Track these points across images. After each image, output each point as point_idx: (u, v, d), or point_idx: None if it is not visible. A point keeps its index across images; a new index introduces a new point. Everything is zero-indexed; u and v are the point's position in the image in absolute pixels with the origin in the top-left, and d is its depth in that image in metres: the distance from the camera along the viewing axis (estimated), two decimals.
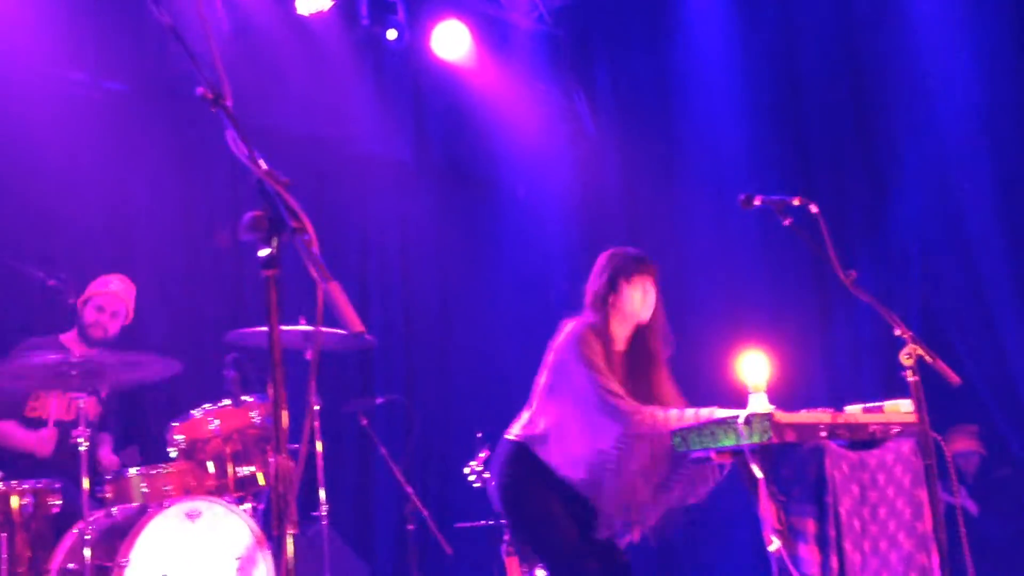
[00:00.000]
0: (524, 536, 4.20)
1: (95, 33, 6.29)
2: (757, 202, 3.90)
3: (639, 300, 4.02)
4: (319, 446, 5.28)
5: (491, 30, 8.13)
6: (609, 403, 3.76)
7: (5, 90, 5.82)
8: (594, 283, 4.09)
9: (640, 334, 4.06)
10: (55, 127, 5.95)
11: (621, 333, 4.04)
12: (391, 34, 7.50)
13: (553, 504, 3.86)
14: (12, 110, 5.78)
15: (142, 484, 4.59)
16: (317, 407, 5.40)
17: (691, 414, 3.66)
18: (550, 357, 4.03)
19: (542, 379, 4.03)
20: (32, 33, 5.89)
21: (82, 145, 6.09)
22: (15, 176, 5.82)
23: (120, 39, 6.32)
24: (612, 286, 4.02)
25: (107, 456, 5.21)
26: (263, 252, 2.14)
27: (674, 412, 3.70)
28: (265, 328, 2.14)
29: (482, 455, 5.87)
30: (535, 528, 3.93)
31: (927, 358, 3.42)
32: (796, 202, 3.82)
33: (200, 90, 2.17)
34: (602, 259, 4.14)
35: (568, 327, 4.02)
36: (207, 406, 4.82)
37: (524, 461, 3.93)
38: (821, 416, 3.47)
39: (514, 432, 4.03)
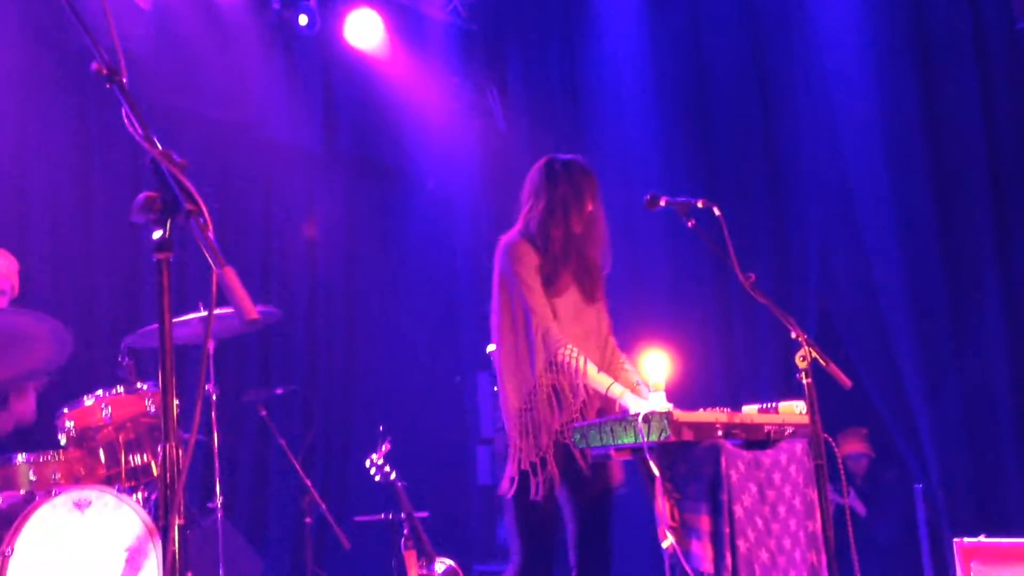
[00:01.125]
0: None
1: None
2: (662, 203, 3.95)
3: (584, 210, 4.02)
4: (216, 437, 5.18)
5: (405, 20, 8.07)
6: (535, 323, 3.79)
7: None
8: (541, 192, 4.05)
9: (581, 242, 4.04)
10: None
11: (567, 240, 3.99)
12: (302, 19, 7.39)
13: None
14: None
15: (29, 472, 4.44)
16: (215, 396, 5.30)
17: (605, 382, 3.72)
18: (494, 277, 4.00)
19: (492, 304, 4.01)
20: None
21: None
22: None
23: (15, 4, 6.08)
24: (560, 193, 4.01)
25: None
26: (156, 234, 2.08)
27: (592, 368, 3.74)
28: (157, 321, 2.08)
29: (383, 448, 5.82)
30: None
31: (821, 361, 3.50)
32: (700, 204, 3.87)
33: (95, 65, 2.10)
34: (541, 169, 4.12)
35: (502, 241, 4.01)
36: (100, 392, 4.67)
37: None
38: (718, 415, 3.52)
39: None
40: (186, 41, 6.75)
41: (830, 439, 3.57)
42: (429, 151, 8.31)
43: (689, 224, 3.90)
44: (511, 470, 3.86)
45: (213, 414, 5.23)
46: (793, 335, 3.56)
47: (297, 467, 5.92)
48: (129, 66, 2.19)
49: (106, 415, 4.64)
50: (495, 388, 8.01)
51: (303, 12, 7.38)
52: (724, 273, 6.67)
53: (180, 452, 2.04)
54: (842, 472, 4.33)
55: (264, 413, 5.97)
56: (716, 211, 3.82)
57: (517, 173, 8.27)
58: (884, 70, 6.59)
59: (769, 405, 3.76)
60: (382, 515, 5.69)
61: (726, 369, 6.99)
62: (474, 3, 8.47)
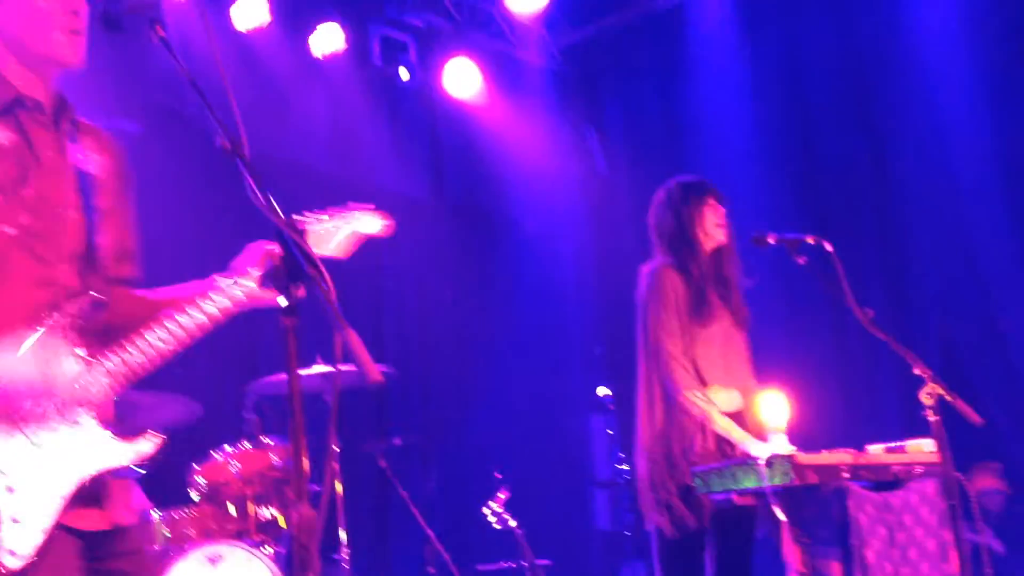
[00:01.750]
0: None
1: (111, 74, 6.34)
2: (771, 240, 3.91)
3: (714, 219, 4.01)
4: (338, 488, 5.26)
5: (501, 67, 8.18)
6: (663, 365, 3.76)
7: None
8: (665, 217, 4.05)
9: (716, 260, 4.03)
10: None
11: (705, 256, 3.99)
12: (403, 73, 7.56)
13: None
14: None
15: (164, 528, 4.57)
16: (336, 448, 5.39)
17: (727, 426, 3.68)
18: (639, 311, 3.98)
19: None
20: None
21: None
22: None
23: (134, 80, 6.36)
24: (688, 211, 3.99)
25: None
26: (282, 301, 2.15)
27: (715, 411, 3.72)
28: (283, 375, 2.15)
29: (501, 496, 5.84)
30: None
31: (947, 397, 3.39)
32: (810, 240, 3.81)
33: (219, 141, 2.18)
34: (659, 196, 4.11)
35: (644, 271, 3.99)
36: (227, 448, 4.80)
37: None
38: (843, 457, 3.44)
39: None
40: (294, 98, 6.97)
41: (961, 477, 3.45)
42: (531, 195, 8.38)
43: (800, 261, 3.84)
44: (644, 510, 3.84)
45: (335, 466, 5.32)
46: (916, 371, 3.46)
47: (418, 517, 5.95)
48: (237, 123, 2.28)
49: (234, 470, 4.76)
50: (608, 431, 8.00)
51: (403, 65, 7.55)
52: (839, 310, 6.51)
53: (313, 512, 2.09)
54: (976, 510, 4.17)
55: (383, 464, 6.04)
56: (827, 246, 3.76)
57: (619, 213, 8.37)
58: (995, 93, 6.41)
59: (896, 444, 3.64)
60: (504, 563, 5.68)
61: (847, 409, 6.80)
62: (569, 46, 8.54)
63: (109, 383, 2.29)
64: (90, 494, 2.27)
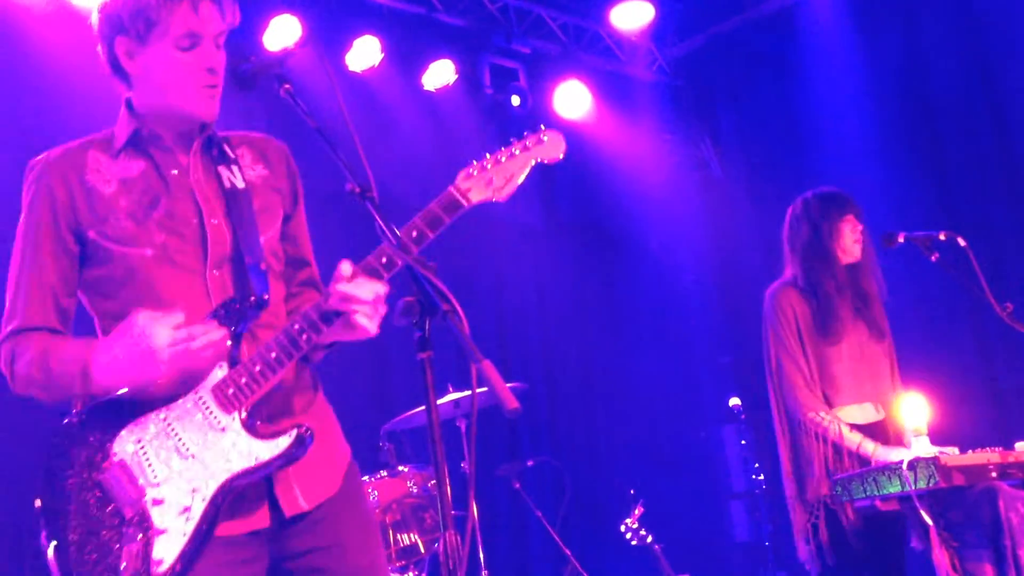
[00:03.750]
0: None
1: (236, 127, 6.61)
2: (900, 239, 3.85)
3: (852, 236, 3.96)
4: (475, 511, 5.35)
5: (611, 85, 8.21)
6: (785, 387, 3.75)
7: None
8: (801, 231, 4.01)
9: (853, 275, 3.99)
10: None
11: (841, 271, 3.95)
12: (515, 100, 7.65)
13: None
14: None
15: None
16: (472, 474, 5.48)
17: (856, 439, 3.63)
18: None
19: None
20: None
21: None
22: None
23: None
24: (827, 227, 3.94)
25: None
26: (417, 335, 2.22)
27: (842, 428, 3.66)
28: (419, 409, 2.22)
29: (637, 511, 5.84)
30: None
31: None
32: (942, 236, 3.75)
33: (349, 186, 2.28)
34: (795, 207, 4.07)
35: (768, 292, 3.99)
36: (365, 478, 4.93)
37: None
38: (990, 456, 3.35)
39: None
40: (408, 132, 7.13)
41: None
42: (649, 209, 8.37)
43: (933, 258, 3.78)
44: (795, 528, 3.83)
45: (471, 490, 5.41)
46: None
47: (555, 537, 6.00)
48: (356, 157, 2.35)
49: (373, 499, 4.89)
50: (742, 441, 7.90)
51: (514, 93, 7.64)
52: (978, 305, 6.31)
53: (458, 539, 2.15)
54: None
55: (517, 486, 6.11)
56: (961, 241, 3.69)
57: (738, 221, 8.28)
58: None
59: None
60: None
61: (992, 406, 6.57)
62: (679, 58, 8.53)
63: (253, 385, 2.33)
64: (243, 495, 2.34)
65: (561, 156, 2.63)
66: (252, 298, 2.37)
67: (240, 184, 2.50)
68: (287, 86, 2.39)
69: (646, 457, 7.86)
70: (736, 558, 8.13)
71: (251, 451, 2.31)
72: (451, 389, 5.21)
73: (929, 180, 7.01)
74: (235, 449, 2.31)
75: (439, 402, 5.03)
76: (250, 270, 2.43)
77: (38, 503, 2.30)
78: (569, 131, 8.00)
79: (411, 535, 4.90)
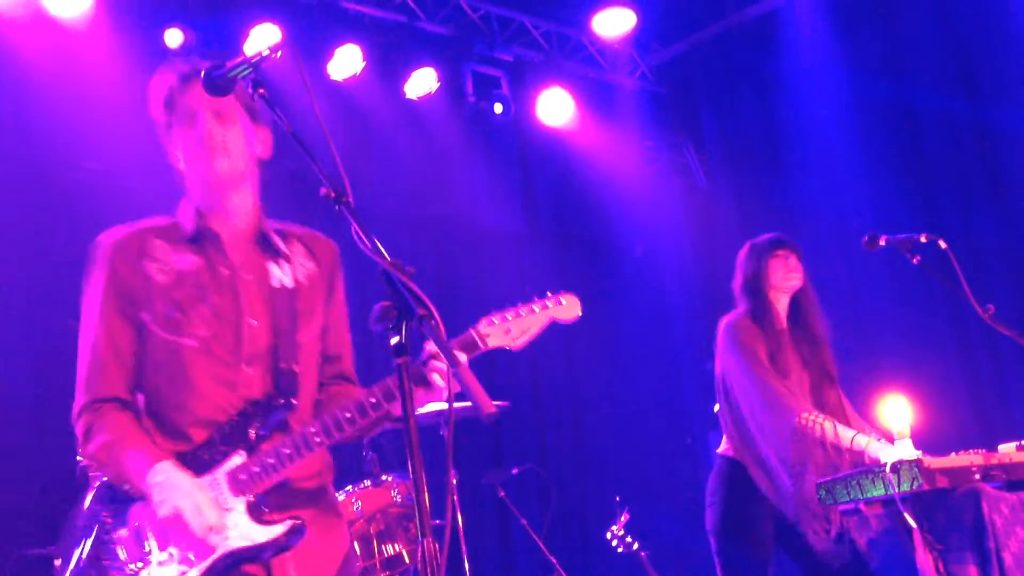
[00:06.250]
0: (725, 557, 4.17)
1: None
2: (882, 242, 3.85)
3: (782, 271, 4.14)
4: (459, 519, 5.31)
5: (594, 93, 8.21)
6: (771, 395, 3.79)
7: (140, 194, 6.08)
8: (739, 274, 4.26)
9: (795, 308, 4.17)
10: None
11: (779, 308, 4.15)
12: (497, 108, 7.64)
13: (763, 525, 3.85)
14: (144, 213, 6.01)
15: None
16: (454, 481, 5.45)
17: (848, 435, 3.66)
18: (717, 362, 4.12)
19: (720, 386, 4.11)
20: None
21: None
22: None
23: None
24: (756, 267, 4.16)
25: None
26: (394, 341, 2.20)
27: (832, 425, 3.69)
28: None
29: (623, 519, 5.82)
30: (733, 549, 4.00)
31: None
32: (923, 239, 3.75)
33: (324, 190, 2.26)
34: (741, 254, 4.31)
35: (723, 323, 4.13)
36: (349, 488, 4.90)
37: (732, 478, 4.01)
38: (973, 458, 3.34)
39: (721, 447, 4.13)
40: (390, 140, 7.12)
41: None
42: (632, 216, 8.37)
43: (915, 261, 3.78)
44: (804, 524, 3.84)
45: (454, 498, 5.38)
46: None
47: (541, 545, 5.98)
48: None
49: (357, 508, 4.85)
50: None
51: (497, 100, 7.63)
52: (960, 308, 6.32)
53: (436, 547, 2.13)
54: None
55: (502, 494, 6.08)
56: (942, 244, 3.69)
57: (722, 227, 8.28)
58: None
59: None
60: None
61: (974, 408, 6.59)
62: (661, 65, 8.54)
63: (263, 475, 2.54)
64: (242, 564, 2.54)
65: (577, 317, 2.93)
66: (281, 401, 2.63)
67: (289, 283, 2.71)
68: (261, 90, 2.38)
69: (632, 464, 7.84)
70: None
71: (248, 533, 2.53)
72: None
73: (911, 184, 7.03)
74: (236, 529, 2.52)
75: (421, 411, 5.03)
76: (283, 373, 2.65)
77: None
78: (552, 138, 8.08)
79: (395, 545, 4.87)
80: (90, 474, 2.68)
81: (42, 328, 5.54)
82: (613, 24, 7.72)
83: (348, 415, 2.56)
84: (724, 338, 4.07)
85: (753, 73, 8.07)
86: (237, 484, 2.54)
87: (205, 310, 2.61)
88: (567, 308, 2.93)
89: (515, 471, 6.38)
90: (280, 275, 2.70)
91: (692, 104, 8.59)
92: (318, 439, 2.54)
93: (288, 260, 2.73)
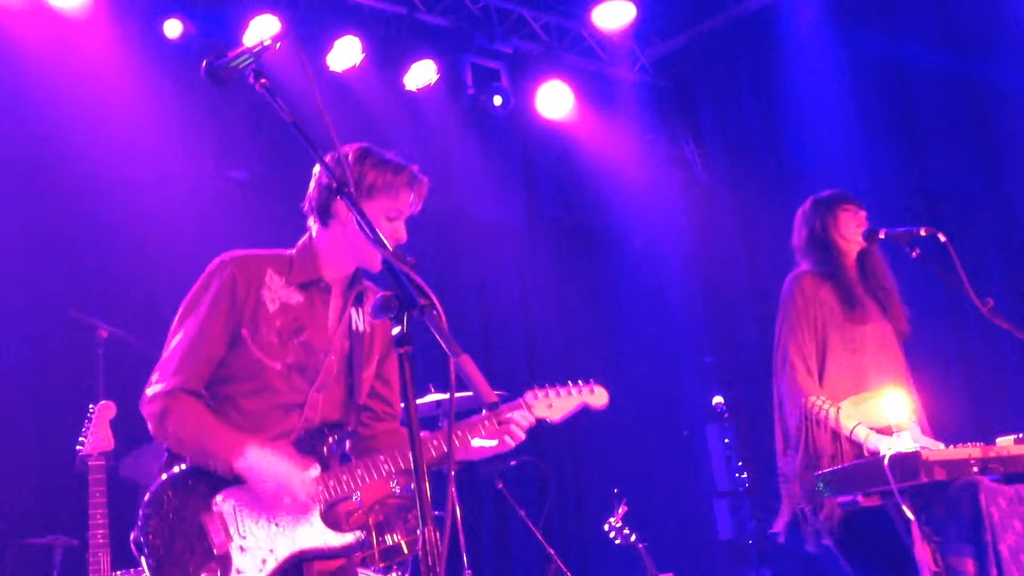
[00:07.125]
0: None
1: (215, 126, 6.58)
2: (882, 235, 3.86)
3: (853, 224, 4.03)
4: (457, 511, 5.32)
5: (593, 85, 8.21)
6: (789, 370, 3.79)
7: (140, 185, 6.08)
8: (804, 229, 4.13)
9: (862, 263, 4.05)
10: (185, 217, 6.16)
11: (850, 260, 4.04)
12: (496, 100, 7.63)
13: None
14: (144, 204, 6.02)
15: None
16: (453, 472, 5.46)
17: (851, 425, 3.65)
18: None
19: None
20: (165, 132, 6.18)
21: (210, 231, 6.30)
22: (155, 262, 5.97)
23: (239, 131, 6.58)
24: (825, 221, 4.04)
25: None
26: (395, 331, 2.20)
27: (837, 412, 3.71)
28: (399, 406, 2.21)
29: (620, 510, 5.83)
30: None
31: None
32: (923, 232, 3.76)
33: (326, 181, 2.26)
34: (803, 210, 4.18)
35: (787, 280, 4.07)
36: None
37: None
38: (971, 451, 3.35)
39: None
40: (390, 132, 7.11)
41: None
42: (631, 209, 8.37)
43: (914, 254, 3.79)
44: (783, 514, 3.83)
45: (453, 489, 5.38)
46: None
47: (539, 536, 5.98)
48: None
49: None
50: (725, 440, 7.90)
51: (496, 93, 7.63)
52: (959, 301, 6.32)
53: (437, 535, 2.14)
54: None
55: (500, 485, 6.09)
56: (941, 237, 3.70)
57: (721, 221, 8.29)
58: None
59: None
60: None
61: (972, 401, 6.59)
62: (661, 59, 8.53)
63: (338, 488, 2.90)
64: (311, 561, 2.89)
65: (605, 406, 3.41)
66: (349, 428, 3.04)
67: (363, 328, 3.09)
68: (263, 80, 2.38)
69: (629, 456, 7.85)
70: (720, 556, 8.14)
71: (322, 536, 2.90)
72: (432, 390, 5.20)
73: (910, 177, 7.03)
74: (311, 531, 2.89)
75: (420, 402, 5.04)
76: (352, 406, 3.05)
77: (140, 523, 2.84)
78: (551, 131, 8.07)
79: (394, 535, 4.86)
80: (168, 453, 2.94)
81: (42, 319, 5.53)
82: (613, 17, 7.71)
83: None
84: (783, 294, 3.99)
85: (752, 66, 8.06)
86: (316, 496, 2.86)
87: (298, 341, 2.96)
88: (597, 396, 3.41)
89: (513, 463, 6.38)
90: (356, 320, 3.07)
91: (691, 97, 8.58)
92: (385, 467, 2.91)
93: (363, 308, 3.10)
